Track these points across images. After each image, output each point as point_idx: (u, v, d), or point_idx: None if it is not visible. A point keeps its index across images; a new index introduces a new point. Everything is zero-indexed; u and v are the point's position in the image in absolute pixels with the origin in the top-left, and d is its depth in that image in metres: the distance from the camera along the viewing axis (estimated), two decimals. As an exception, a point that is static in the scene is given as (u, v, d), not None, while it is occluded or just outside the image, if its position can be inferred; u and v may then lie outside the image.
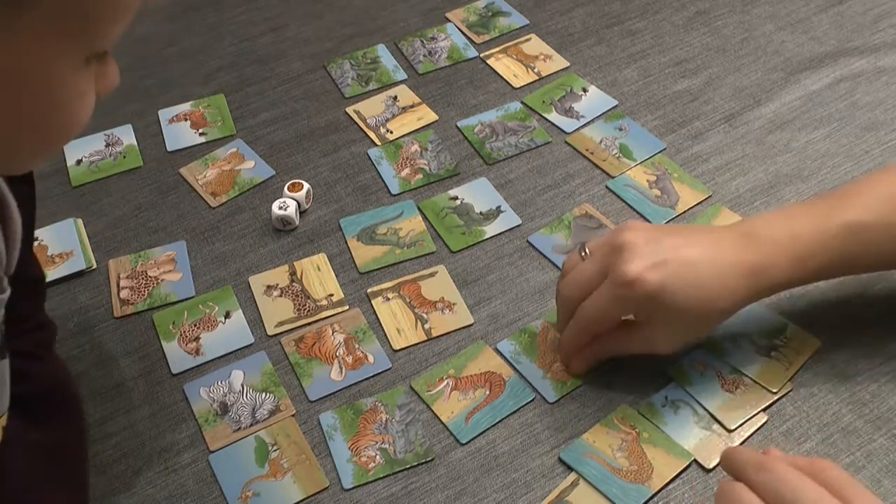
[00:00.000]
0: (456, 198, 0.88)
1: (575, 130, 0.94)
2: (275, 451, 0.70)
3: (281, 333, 0.77)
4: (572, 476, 0.67)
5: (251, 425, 0.71)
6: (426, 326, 0.77)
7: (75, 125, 0.47)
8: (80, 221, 0.88)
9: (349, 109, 0.98)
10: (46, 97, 0.45)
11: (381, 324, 0.78)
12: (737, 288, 0.65)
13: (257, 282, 0.81)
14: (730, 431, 0.68)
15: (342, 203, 0.88)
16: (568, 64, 1.02)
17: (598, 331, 0.69)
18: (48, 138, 0.48)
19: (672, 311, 0.65)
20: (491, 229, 0.85)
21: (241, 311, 0.79)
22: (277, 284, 0.81)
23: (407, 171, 0.91)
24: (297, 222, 0.86)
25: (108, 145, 0.96)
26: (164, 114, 0.99)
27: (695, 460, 0.67)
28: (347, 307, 0.79)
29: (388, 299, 0.79)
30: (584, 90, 0.98)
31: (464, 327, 0.77)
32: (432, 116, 0.97)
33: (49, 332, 0.64)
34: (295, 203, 0.86)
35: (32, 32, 0.41)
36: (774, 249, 0.65)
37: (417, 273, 0.81)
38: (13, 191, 0.54)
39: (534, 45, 1.05)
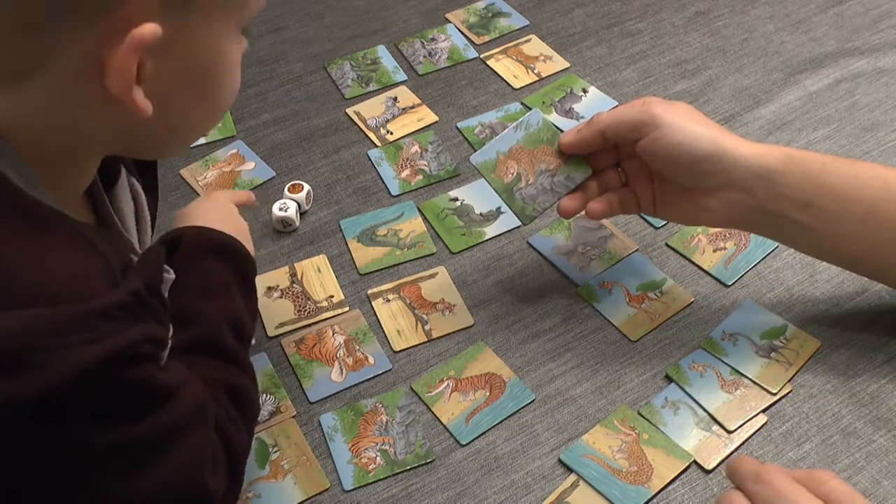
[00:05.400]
0: (456, 199, 0.88)
1: (575, 131, 0.94)
2: (275, 452, 0.70)
3: (281, 335, 0.77)
4: (572, 477, 0.67)
5: (252, 427, 0.71)
6: (426, 328, 0.77)
7: (235, 93, 0.54)
8: (80, 223, 0.88)
9: (349, 110, 0.98)
10: (221, 69, 0.52)
11: (381, 325, 0.78)
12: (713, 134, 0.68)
13: (258, 283, 0.81)
14: (729, 432, 0.69)
15: (342, 204, 0.88)
16: (568, 65, 1.02)
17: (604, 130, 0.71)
18: (219, 110, 0.55)
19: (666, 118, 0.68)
20: (491, 230, 0.85)
21: (241, 312, 0.79)
22: (278, 286, 0.81)
23: (407, 172, 0.91)
24: (298, 223, 0.86)
25: (108, 147, 0.96)
26: (165, 115, 0.99)
27: (694, 461, 0.67)
28: (348, 308, 0.79)
29: (389, 300, 0.79)
30: (585, 91, 0.98)
31: (464, 328, 0.77)
32: (432, 117, 0.97)
33: None
34: (295, 204, 0.86)
35: (203, 14, 0.48)
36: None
37: (417, 274, 0.81)
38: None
39: (534, 45, 1.05)
